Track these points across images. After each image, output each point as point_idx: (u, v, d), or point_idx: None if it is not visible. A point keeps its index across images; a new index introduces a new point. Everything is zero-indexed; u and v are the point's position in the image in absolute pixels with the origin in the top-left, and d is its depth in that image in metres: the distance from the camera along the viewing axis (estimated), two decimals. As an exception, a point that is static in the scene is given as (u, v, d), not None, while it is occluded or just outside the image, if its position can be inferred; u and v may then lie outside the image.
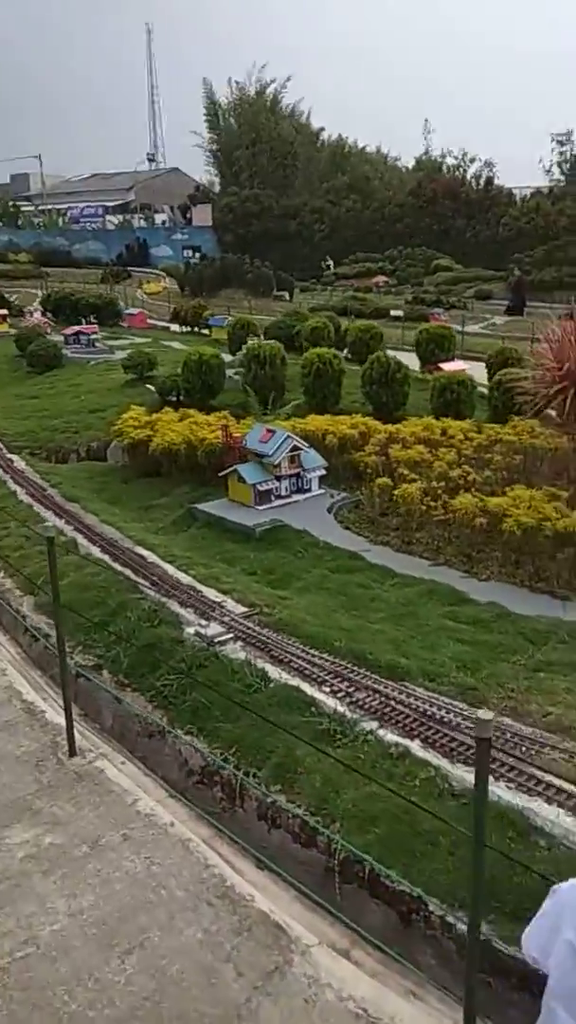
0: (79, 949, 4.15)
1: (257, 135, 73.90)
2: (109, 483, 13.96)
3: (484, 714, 2.91)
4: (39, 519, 11.53)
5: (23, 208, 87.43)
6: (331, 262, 62.65)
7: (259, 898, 4.66)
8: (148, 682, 7.59)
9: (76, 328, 26.01)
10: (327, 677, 7.05)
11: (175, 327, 34.11)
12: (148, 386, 19.63)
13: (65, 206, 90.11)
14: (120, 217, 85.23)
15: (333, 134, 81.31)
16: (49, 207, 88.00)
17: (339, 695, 6.80)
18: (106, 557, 10.06)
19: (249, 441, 11.77)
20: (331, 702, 6.70)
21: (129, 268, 65.80)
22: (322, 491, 12.19)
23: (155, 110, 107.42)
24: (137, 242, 74.14)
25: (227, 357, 19.68)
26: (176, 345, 27.16)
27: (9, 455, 14.60)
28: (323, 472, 12.14)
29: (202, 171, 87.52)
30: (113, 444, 16.88)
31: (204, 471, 13.07)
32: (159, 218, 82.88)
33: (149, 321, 35.19)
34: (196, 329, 32.43)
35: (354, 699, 6.73)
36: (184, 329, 33.32)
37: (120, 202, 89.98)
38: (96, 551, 10.32)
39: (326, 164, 77.79)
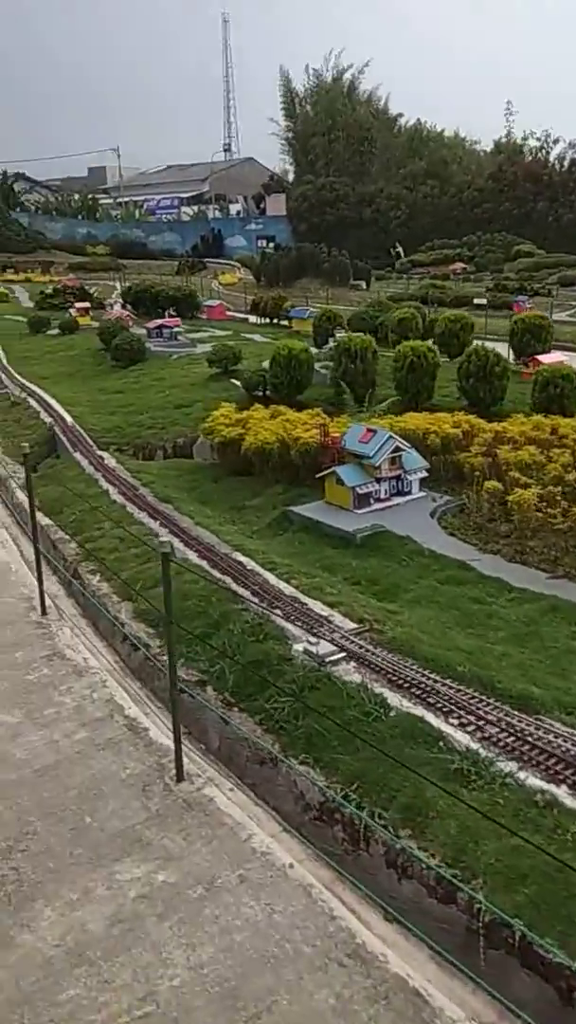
0: (201, 1010, 3.78)
1: (334, 122, 72.98)
2: (199, 482, 13.64)
3: None
4: (133, 520, 11.29)
5: (101, 201, 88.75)
6: (401, 248, 61.22)
7: (393, 958, 4.19)
8: (257, 703, 7.17)
9: (159, 321, 25.89)
10: (453, 707, 6.49)
11: (254, 318, 33.69)
12: (233, 381, 19.28)
13: (141, 198, 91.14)
14: (195, 208, 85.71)
15: (411, 119, 79.59)
16: (126, 199, 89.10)
17: (468, 728, 6.23)
18: (204, 563, 9.70)
19: (348, 441, 11.24)
20: (460, 737, 6.14)
21: (204, 259, 66.00)
22: (423, 494, 11.57)
23: (230, 100, 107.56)
24: (212, 233, 74.33)
25: (311, 350, 19.13)
26: (257, 338, 26.76)
27: (100, 452, 14.44)
28: (424, 474, 11.51)
29: (276, 160, 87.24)
30: (200, 441, 16.60)
31: (297, 470, 12.61)
32: (233, 208, 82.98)
33: (228, 313, 34.93)
34: (276, 320, 31.96)
35: (486, 734, 6.15)
36: (263, 320, 32.89)
37: (195, 193, 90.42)
38: (193, 556, 9.98)
39: (403, 150, 76.29)
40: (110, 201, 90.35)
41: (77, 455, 14.35)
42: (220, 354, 19.57)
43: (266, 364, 20.33)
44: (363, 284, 47.19)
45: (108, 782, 5.82)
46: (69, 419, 16.82)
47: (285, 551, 10.35)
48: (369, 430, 11.08)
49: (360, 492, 10.94)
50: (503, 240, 60.31)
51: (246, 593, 8.89)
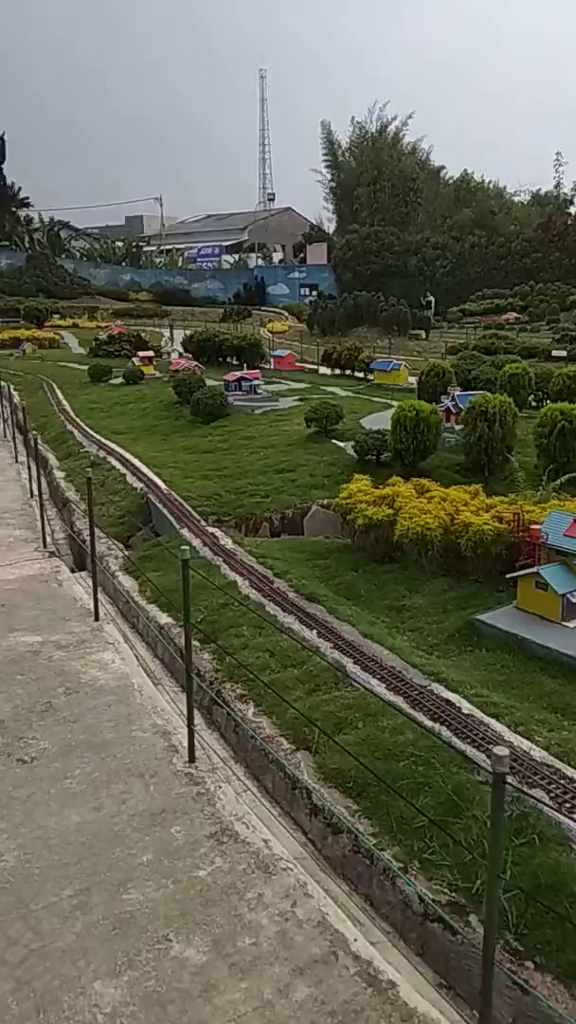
0: None
1: (379, 172, 72.63)
2: (336, 570, 11.44)
3: None
4: (279, 625, 9.06)
5: (144, 249, 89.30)
6: (432, 298, 59.90)
7: None
8: (568, 958, 4.82)
9: (238, 374, 24.01)
10: None
11: (325, 369, 31.88)
12: (335, 442, 17.22)
13: (183, 246, 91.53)
14: (236, 256, 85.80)
15: (455, 172, 79.39)
16: (169, 247, 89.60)
17: None
18: (399, 700, 7.42)
19: (550, 535, 9.05)
20: None
21: (248, 307, 65.25)
22: None
23: (266, 152, 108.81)
24: (255, 280, 73.82)
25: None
26: (339, 391, 24.82)
27: (212, 529, 12.31)
28: None
29: (314, 210, 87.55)
30: (312, 512, 14.50)
31: (463, 562, 10.40)
32: (276, 257, 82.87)
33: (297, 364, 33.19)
34: (351, 372, 30.11)
35: None
36: (336, 372, 31.04)
37: (235, 242, 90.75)
38: (379, 686, 7.71)
39: (449, 200, 75.79)
40: (152, 249, 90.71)
41: (185, 532, 12.22)
42: (320, 412, 17.53)
43: (367, 424, 18.36)
44: (422, 333, 45.53)
45: None
46: (163, 486, 14.76)
47: (489, 679, 8.07)
48: (577, 521, 8.91)
49: (572, 600, 8.71)
50: (557, 290, 58.85)
51: (476, 752, 6.59)
